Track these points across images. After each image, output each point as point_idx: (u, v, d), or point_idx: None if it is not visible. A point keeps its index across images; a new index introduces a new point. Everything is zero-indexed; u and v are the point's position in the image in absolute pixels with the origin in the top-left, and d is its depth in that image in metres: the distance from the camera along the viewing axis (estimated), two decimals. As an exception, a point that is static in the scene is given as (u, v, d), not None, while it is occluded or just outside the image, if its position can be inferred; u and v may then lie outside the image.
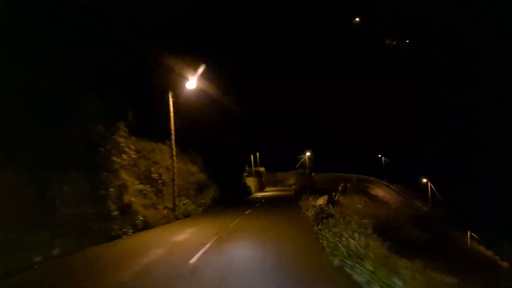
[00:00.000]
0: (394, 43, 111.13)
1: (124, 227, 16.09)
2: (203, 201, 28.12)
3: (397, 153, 73.17)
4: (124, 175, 17.49)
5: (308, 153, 78.52)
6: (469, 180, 57.44)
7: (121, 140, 16.65)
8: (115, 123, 16.33)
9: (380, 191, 69.92)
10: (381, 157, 75.71)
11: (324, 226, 12.11)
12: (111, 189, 15.62)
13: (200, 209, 27.23)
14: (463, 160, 61.13)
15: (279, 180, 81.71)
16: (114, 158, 15.98)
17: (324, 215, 15.24)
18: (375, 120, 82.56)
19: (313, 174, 64.01)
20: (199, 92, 30.06)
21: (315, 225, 15.11)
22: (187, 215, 24.38)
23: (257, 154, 67.98)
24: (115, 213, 15.56)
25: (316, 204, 19.75)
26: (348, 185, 49.68)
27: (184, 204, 24.63)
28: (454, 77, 71.71)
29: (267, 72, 72.01)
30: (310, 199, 24.98)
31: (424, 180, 61.82)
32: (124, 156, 17.00)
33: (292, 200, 34.50)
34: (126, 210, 17.18)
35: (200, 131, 32.57)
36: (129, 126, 18.12)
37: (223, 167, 37.87)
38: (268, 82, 71.23)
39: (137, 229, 17.18)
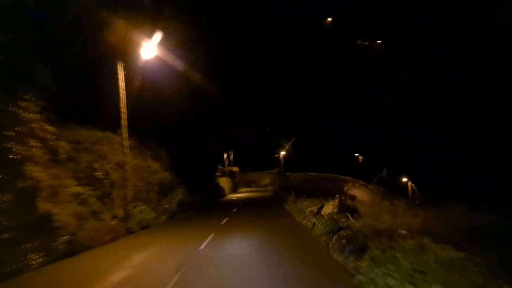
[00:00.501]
0: (366, 43, 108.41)
1: (27, 255, 9.57)
2: (167, 206, 21.66)
3: (373, 152, 68.92)
4: (38, 173, 10.94)
5: (282, 152, 72.93)
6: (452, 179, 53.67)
7: (26, 116, 10.10)
8: (13, 88, 9.78)
9: (357, 192, 65.28)
10: (357, 156, 71.21)
11: (377, 265, 6.17)
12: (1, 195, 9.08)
13: (163, 216, 20.78)
14: (443, 159, 57.40)
15: (252, 180, 75.86)
16: (11, 145, 9.45)
17: (349, 233, 9.36)
18: (350, 119, 78.19)
19: (288, 174, 58.43)
20: (164, 72, 23.71)
21: (336, 248, 9.22)
22: (145, 226, 17.91)
23: (231, 152, 61.82)
24: (7, 235, 9.03)
25: (324, 213, 13.83)
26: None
27: (141, 212, 18.12)
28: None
29: (238, 68, 65.77)
30: (305, 203, 19.04)
31: (404, 180, 57.54)
32: (33, 142, 10.46)
33: (275, 204, 28.57)
34: (39, 225, 10.67)
35: (166, 121, 26.11)
36: (48, 98, 11.64)
37: (193, 165, 31.49)
38: (237, 78, 64.91)
39: (55, 256, 10.66)
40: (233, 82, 42.15)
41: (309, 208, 16.11)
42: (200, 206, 28.83)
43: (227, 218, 18.75)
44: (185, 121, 29.82)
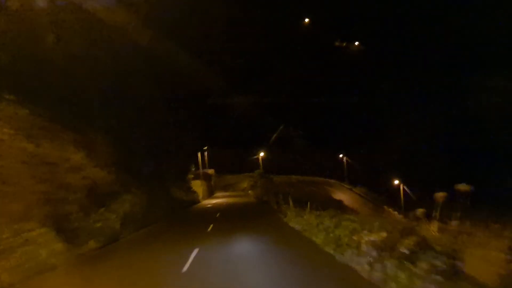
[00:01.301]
0: (344, 44, 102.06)
1: None
2: (98, 225, 12.41)
3: (359, 152, 61.63)
4: None
5: (262, 154, 64.26)
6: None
7: None
8: None
9: (343, 196, 58.00)
10: (342, 157, 63.58)
11: None
12: None
13: (91, 244, 11.51)
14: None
15: (229, 183, 66.81)
16: None
17: None
18: (333, 118, 70.69)
19: (272, 176, 49.63)
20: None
21: None
22: (40, 270, 8.63)
23: (206, 153, 52.49)
24: None
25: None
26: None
27: (27, 241, 8.88)
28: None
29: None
30: (345, 222, 10.15)
31: (396, 182, 50.23)
32: None
33: (268, 215, 19.74)
34: None
35: (113, 94, 16.91)
36: None
37: (157, 162, 22.29)
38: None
39: None
40: (208, 66, 33.13)
41: (368, 237, 7.39)
42: (164, 218, 19.71)
43: (196, 251, 9.73)
44: (146, 100, 20.68)
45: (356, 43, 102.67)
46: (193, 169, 39.79)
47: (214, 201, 37.89)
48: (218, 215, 20.69)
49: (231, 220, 17.93)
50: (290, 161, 67.10)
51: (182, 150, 30.93)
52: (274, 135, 69.87)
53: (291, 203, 18.90)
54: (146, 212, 17.31)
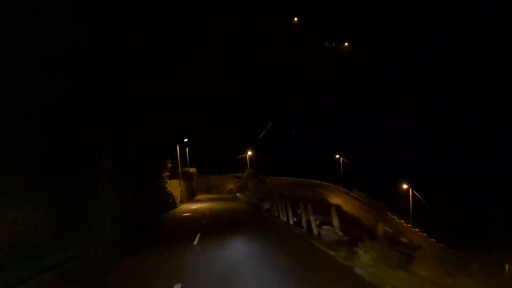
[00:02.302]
0: (333, 44, 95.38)
1: None
2: None
3: (357, 154, 54.00)
4: None
5: (249, 153, 55.56)
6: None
7: None
8: None
9: (340, 200, 49.94)
10: (339, 158, 55.69)
11: None
12: None
13: None
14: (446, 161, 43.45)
15: (214, 185, 57.90)
16: None
17: None
18: (328, 115, 62.96)
19: (264, 178, 41.03)
20: None
21: None
22: None
23: (187, 148, 43.43)
24: None
25: None
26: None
27: None
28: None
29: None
30: None
31: (405, 186, 42.56)
32: None
33: (281, 239, 11.15)
34: None
35: None
36: None
37: (103, 146, 13.38)
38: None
39: None
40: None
41: None
42: (102, 244, 10.90)
43: None
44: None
45: (346, 43, 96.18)
46: (170, 165, 30.77)
47: (195, 206, 29.05)
48: (197, 240, 11.75)
49: (223, 260, 9.08)
50: (279, 161, 58.99)
51: (153, 137, 21.97)
52: (263, 133, 62.16)
53: (336, 222, 10.40)
54: (64, 235, 8.53)
